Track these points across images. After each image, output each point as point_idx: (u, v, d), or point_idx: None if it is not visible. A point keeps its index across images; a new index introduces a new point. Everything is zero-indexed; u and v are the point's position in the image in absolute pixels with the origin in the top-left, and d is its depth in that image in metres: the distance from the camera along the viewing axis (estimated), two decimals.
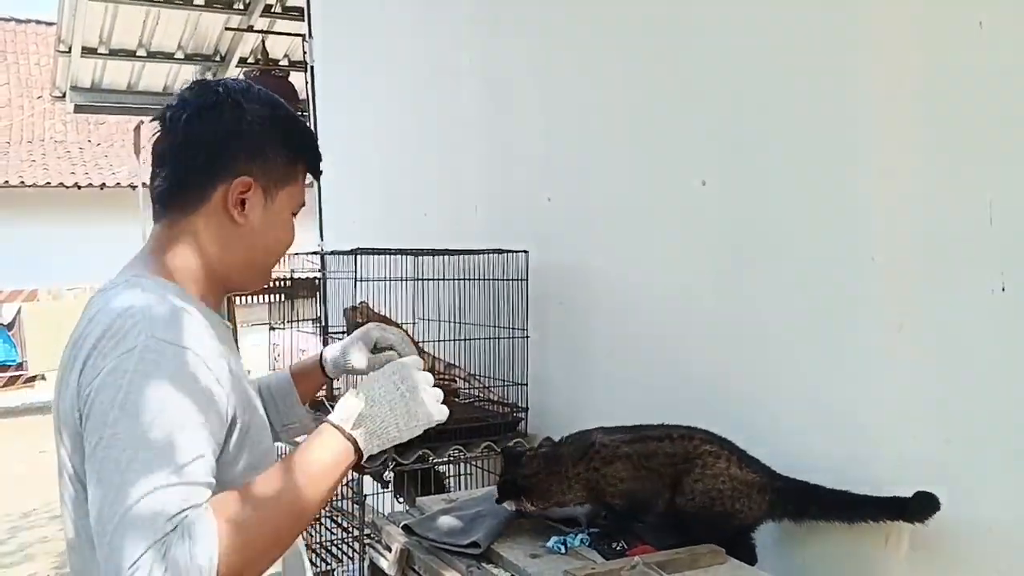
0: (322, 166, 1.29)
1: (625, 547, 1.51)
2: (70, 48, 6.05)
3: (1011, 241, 1.25)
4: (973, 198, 1.29)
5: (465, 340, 2.38)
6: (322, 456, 1.10)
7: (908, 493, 1.34)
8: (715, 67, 1.76)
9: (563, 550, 1.50)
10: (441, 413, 1.19)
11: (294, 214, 1.26)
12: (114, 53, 6.29)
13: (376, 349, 1.47)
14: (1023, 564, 1.26)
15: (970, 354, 1.32)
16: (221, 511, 0.98)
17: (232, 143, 1.15)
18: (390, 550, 1.63)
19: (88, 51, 6.16)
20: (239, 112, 1.16)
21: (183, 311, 1.06)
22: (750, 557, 1.50)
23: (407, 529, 1.62)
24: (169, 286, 1.13)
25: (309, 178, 1.29)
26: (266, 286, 1.25)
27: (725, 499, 1.48)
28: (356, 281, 2.10)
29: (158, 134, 1.19)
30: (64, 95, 6.94)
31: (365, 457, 1.14)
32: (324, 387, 1.58)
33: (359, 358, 1.45)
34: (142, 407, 0.97)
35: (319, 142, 1.32)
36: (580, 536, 1.54)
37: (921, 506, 1.33)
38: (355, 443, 1.12)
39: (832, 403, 1.53)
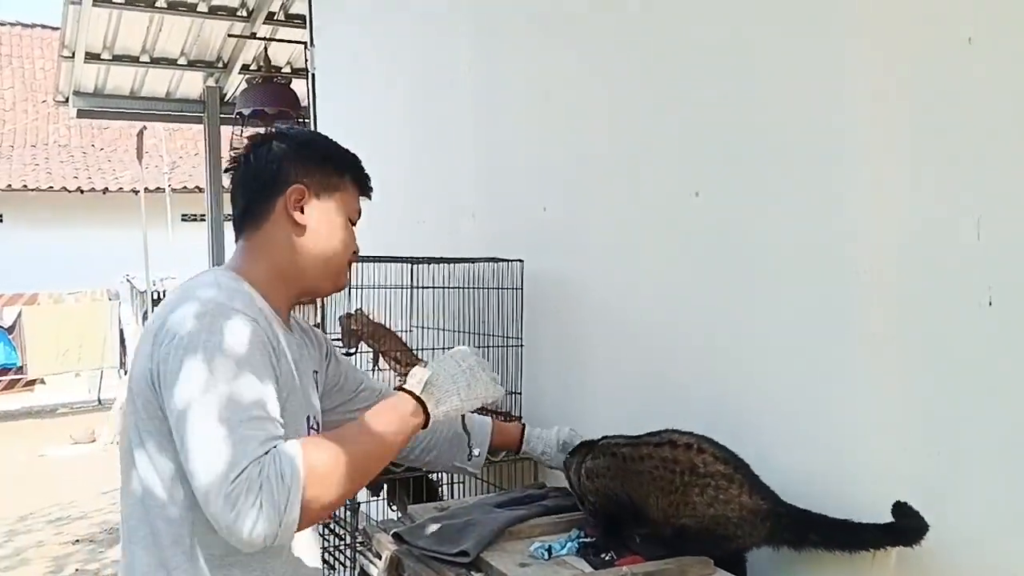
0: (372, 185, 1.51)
1: (614, 557, 1.51)
2: (74, 53, 6.07)
3: (999, 256, 1.26)
4: (962, 213, 1.30)
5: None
6: (394, 413, 1.32)
7: (889, 508, 1.34)
8: (710, 81, 1.77)
9: (546, 556, 1.50)
10: (497, 392, 1.44)
11: (352, 223, 1.46)
12: (117, 59, 6.31)
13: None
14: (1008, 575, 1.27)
15: (957, 368, 1.32)
16: (306, 444, 1.19)
17: (283, 164, 1.39)
18: (380, 558, 1.63)
19: (92, 56, 6.18)
20: (284, 141, 1.42)
21: (250, 294, 1.30)
22: (740, 571, 1.50)
23: (397, 537, 1.62)
24: (243, 282, 1.33)
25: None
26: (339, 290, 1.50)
27: (730, 525, 1.44)
28: (351, 289, 2.11)
29: (235, 174, 1.43)
30: (67, 100, 6.96)
31: (432, 419, 1.35)
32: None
33: (552, 456, 1.84)
34: (221, 360, 1.17)
35: None
36: (568, 544, 1.54)
37: (914, 529, 1.31)
38: (423, 406, 1.34)
39: (821, 415, 1.54)
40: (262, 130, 6.74)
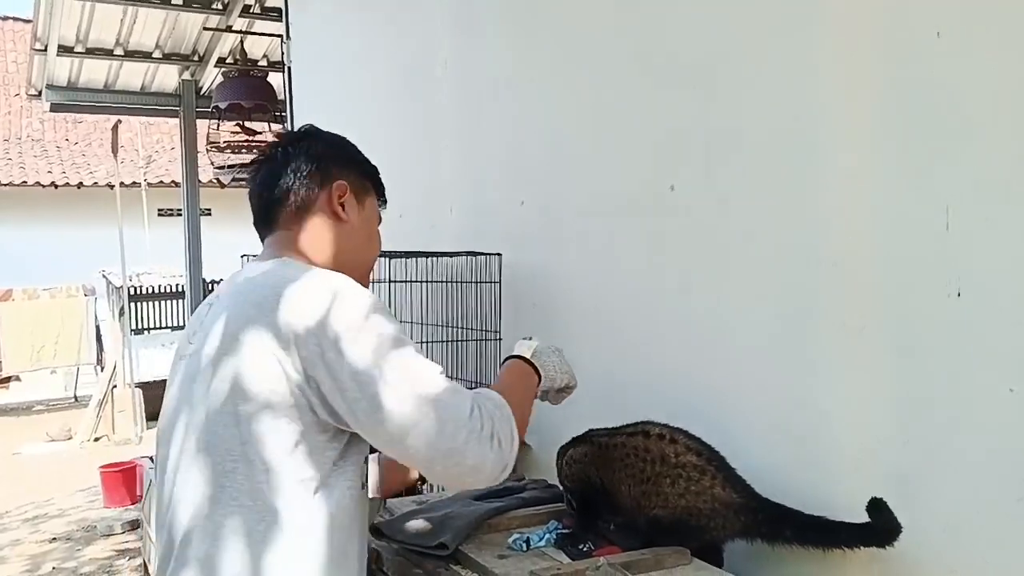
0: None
1: (592, 548, 1.52)
2: (46, 46, 6.00)
3: (966, 246, 1.28)
4: (931, 204, 1.32)
5: (439, 342, 2.39)
6: (520, 371, 1.42)
7: (866, 495, 1.36)
8: (686, 76, 1.78)
9: (524, 548, 1.51)
10: (575, 380, 1.52)
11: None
12: (91, 52, 6.24)
13: None
14: (977, 562, 1.29)
15: (927, 358, 1.34)
16: (493, 389, 1.27)
17: (326, 160, 1.39)
18: None
19: (65, 49, 6.11)
20: (323, 142, 1.43)
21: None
22: (716, 560, 1.51)
23: (376, 531, 1.63)
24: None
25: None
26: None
27: (702, 516, 1.46)
28: None
29: (265, 164, 1.41)
30: (40, 93, 6.89)
31: (541, 390, 1.44)
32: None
33: None
34: (382, 322, 1.16)
35: None
36: (545, 536, 1.55)
37: (888, 530, 1.33)
38: (537, 371, 1.42)
39: (795, 404, 1.56)
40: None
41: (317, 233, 1.36)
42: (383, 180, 1.48)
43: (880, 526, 1.34)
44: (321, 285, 1.18)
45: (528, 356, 1.44)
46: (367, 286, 1.43)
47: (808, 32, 1.51)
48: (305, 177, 1.37)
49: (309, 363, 1.12)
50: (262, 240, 1.41)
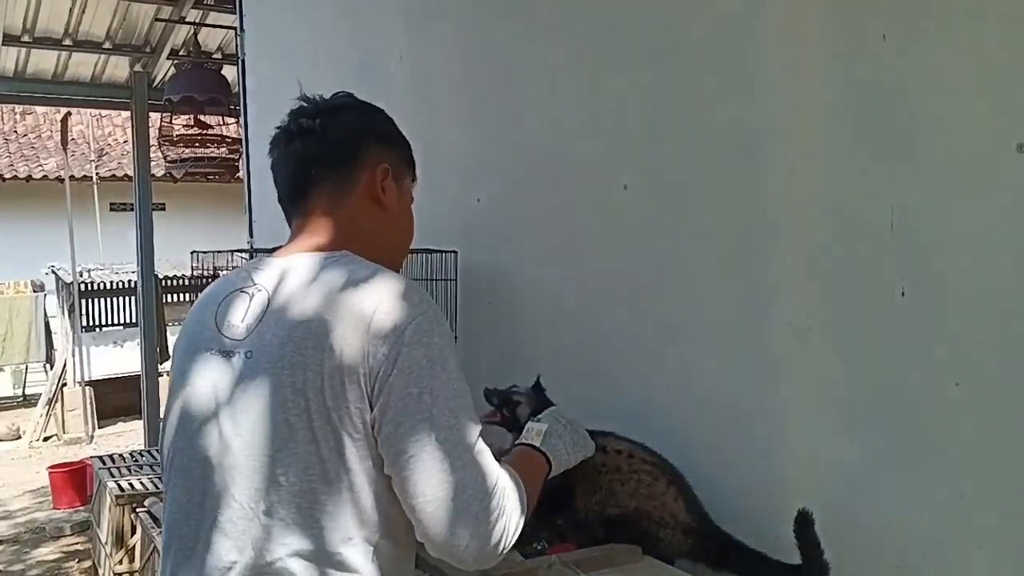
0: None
1: (546, 546, 1.52)
2: None
3: (911, 247, 1.30)
4: (877, 204, 1.34)
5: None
6: (531, 463, 1.31)
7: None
8: (640, 77, 1.79)
9: None
10: (591, 448, 1.44)
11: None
12: (39, 41, 6.08)
13: None
14: (920, 557, 1.32)
15: (873, 357, 1.36)
16: (513, 473, 1.15)
17: (366, 137, 1.27)
18: None
19: (10, 39, 5.94)
20: (361, 113, 1.30)
21: None
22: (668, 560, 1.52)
23: None
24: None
25: None
26: None
27: (652, 523, 1.48)
28: None
29: (286, 143, 1.27)
30: None
31: (552, 471, 1.34)
32: None
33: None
34: (451, 361, 1.09)
35: (249, 137, 1.34)
36: None
37: (818, 572, 1.35)
38: (547, 458, 1.33)
39: (743, 403, 1.57)
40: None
41: (359, 219, 1.24)
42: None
43: (811, 568, 1.35)
44: (407, 300, 1.09)
45: (538, 444, 1.35)
46: (400, 270, 1.35)
47: (756, 33, 1.52)
48: (344, 157, 1.25)
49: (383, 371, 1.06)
50: (289, 221, 1.28)
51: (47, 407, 8.46)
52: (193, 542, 1.13)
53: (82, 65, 6.64)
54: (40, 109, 13.05)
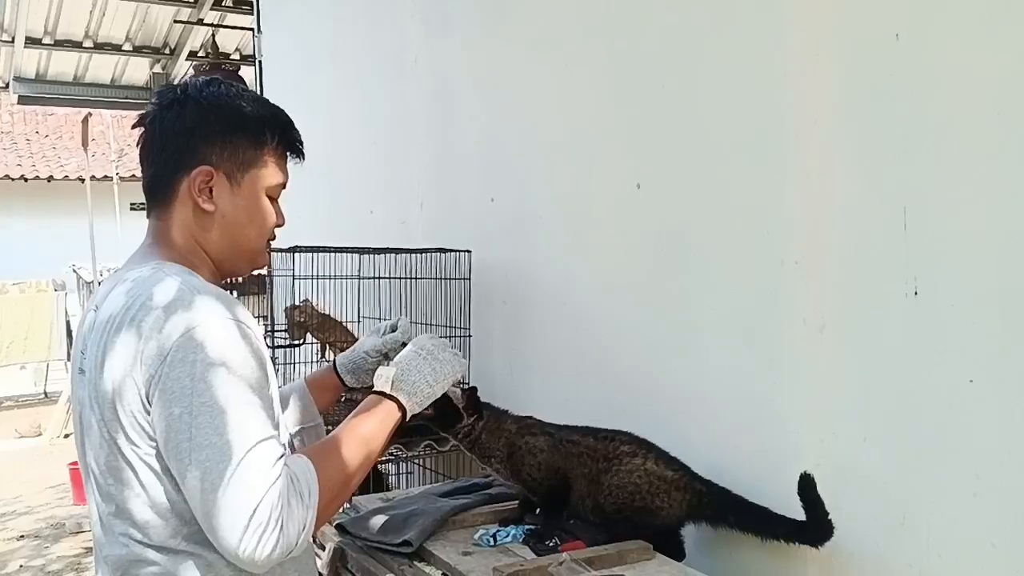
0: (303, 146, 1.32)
1: (559, 544, 1.53)
2: (13, 38, 5.90)
3: (923, 246, 1.30)
4: (889, 204, 1.34)
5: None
6: (374, 417, 1.27)
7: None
8: (654, 78, 1.79)
9: (492, 543, 1.52)
10: (461, 365, 1.40)
11: (272, 198, 1.29)
12: (60, 44, 6.16)
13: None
14: (934, 557, 1.31)
15: (886, 355, 1.36)
16: (314, 459, 1.15)
17: (191, 137, 1.21)
18: (324, 549, 1.63)
19: (32, 41, 6.03)
20: (196, 108, 1.22)
21: (221, 291, 1.16)
22: (678, 554, 1.53)
23: (340, 528, 1.62)
24: (192, 272, 1.19)
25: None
26: (260, 272, 1.32)
27: (643, 494, 1.51)
28: (293, 279, 2.09)
29: (142, 135, 1.26)
30: (7, 85, 6.77)
31: (410, 413, 1.32)
32: (341, 397, 1.68)
33: (370, 342, 1.60)
34: (221, 376, 1.06)
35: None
36: (512, 532, 1.55)
37: (822, 531, 1.37)
38: (398, 402, 1.30)
39: (756, 401, 1.57)
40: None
41: (181, 224, 1.22)
42: (298, 131, 1.29)
43: (815, 526, 1.37)
44: (176, 322, 1.08)
45: (388, 391, 1.31)
46: (261, 267, 1.39)
47: (772, 38, 1.52)
48: (166, 160, 1.21)
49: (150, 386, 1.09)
50: None
51: (68, 404, 8.55)
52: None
53: (102, 67, 6.72)
54: (61, 110, 13.19)
